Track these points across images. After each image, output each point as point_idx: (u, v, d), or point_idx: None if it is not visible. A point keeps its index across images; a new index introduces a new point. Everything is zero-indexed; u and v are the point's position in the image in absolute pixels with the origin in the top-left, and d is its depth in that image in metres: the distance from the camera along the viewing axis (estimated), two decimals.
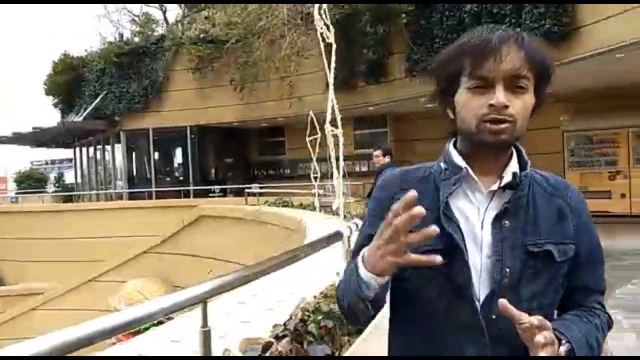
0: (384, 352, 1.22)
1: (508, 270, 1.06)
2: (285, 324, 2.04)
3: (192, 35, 16.84)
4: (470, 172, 1.11)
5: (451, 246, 1.06)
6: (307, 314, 1.94)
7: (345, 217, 5.92)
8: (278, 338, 1.98)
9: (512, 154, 1.14)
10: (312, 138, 7.99)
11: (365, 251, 1.01)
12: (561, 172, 12.01)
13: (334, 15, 11.68)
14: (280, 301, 2.78)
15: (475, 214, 1.10)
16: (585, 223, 1.15)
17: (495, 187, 1.10)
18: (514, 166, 1.13)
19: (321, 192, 8.29)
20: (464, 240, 1.07)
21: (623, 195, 11.14)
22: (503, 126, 1.05)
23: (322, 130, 7.13)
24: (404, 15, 11.25)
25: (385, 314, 1.19)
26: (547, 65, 1.10)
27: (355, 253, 1.13)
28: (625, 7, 7.47)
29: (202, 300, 1.57)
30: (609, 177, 11.64)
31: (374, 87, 12.52)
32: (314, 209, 8.23)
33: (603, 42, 7.96)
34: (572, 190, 1.17)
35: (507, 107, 1.04)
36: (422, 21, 11.25)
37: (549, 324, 0.99)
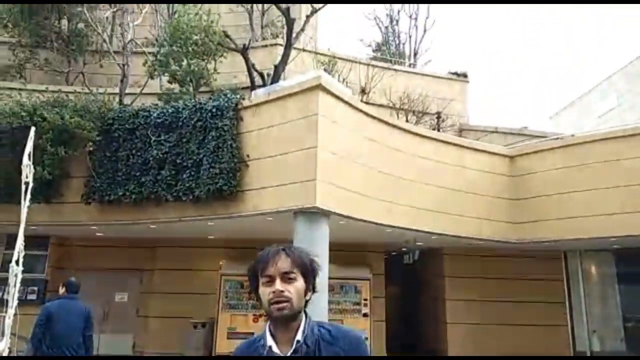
0: None
1: None
2: None
3: None
4: (274, 347, 1.70)
5: None
6: None
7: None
8: None
9: (301, 322, 1.73)
10: None
11: None
12: (215, 315, 13.12)
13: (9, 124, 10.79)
14: None
15: None
16: None
17: (289, 353, 1.68)
18: (300, 334, 1.70)
19: None
20: None
21: None
22: (282, 305, 1.68)
23: None
24: (91, 143, 11.29)
25: None
26: (307, 265, 1.77)
27: None
28: (278, 183, 9.59)
29: None
30: (253, 319, 13.35)
31: (41, 207, 11.59)
32: None
33: (258, 206, 9.86)
34: (347, 338, 1.75)
35: (282, 291, 1.68)
36: (107, 152, 11.47)
37: None
